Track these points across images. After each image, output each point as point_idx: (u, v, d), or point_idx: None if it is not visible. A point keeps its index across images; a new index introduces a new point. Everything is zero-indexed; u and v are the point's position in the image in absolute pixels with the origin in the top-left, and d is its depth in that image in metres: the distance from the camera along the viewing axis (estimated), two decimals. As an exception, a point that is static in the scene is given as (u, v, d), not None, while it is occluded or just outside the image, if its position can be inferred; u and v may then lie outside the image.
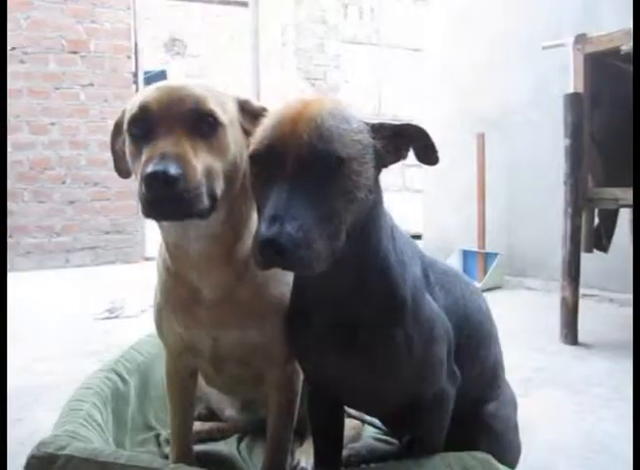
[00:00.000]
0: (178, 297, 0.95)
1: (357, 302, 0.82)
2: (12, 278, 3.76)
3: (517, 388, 1.15)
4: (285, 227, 0.65)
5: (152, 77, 5.12)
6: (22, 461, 0.92)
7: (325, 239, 0.69)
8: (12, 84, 4.10)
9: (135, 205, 4.43)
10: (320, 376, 0.94)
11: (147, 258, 4.43)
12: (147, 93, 0.83)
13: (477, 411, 1.01)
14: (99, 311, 2.76)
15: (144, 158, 0.77)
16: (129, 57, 4.44)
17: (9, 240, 4.13)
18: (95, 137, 4.31)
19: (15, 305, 3.03)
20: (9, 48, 4.07)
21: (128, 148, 0.85)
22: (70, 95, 4.27)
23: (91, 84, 4.32)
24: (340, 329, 0.83)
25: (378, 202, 0.80)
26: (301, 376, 1.01)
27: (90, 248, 4.35)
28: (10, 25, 4.06)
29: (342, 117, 0.74)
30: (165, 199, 0.74)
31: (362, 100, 6.59)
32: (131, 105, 0.85)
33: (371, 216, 0.79)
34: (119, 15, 4.38)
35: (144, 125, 0.81)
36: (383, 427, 1.26)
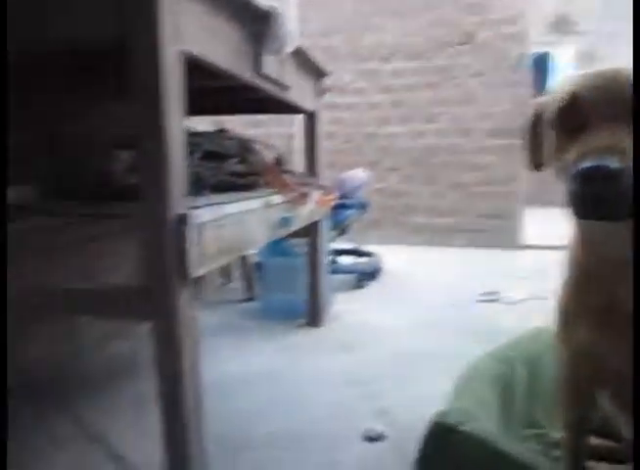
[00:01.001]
0: (587, 298, 0.87)
1: None
2: (402, 251, 4.31)
3: None
4: None
5: (536, 60, 4.94)
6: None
7: None
8: (408, 81, 4.59)
9: (516, 192, 4.39)
10: None
11: (525, 246, 4.34)
12: (575, 82, 0.77)
13: None
14: (479, 293, 2.85)
15: (575, 152, 0.72)
16: (515, 42, 4.38)
17: (402, 218, 4.71)
18: (481, 125, 4.41)
19: (404, 274, 3.47)
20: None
21: (552, 141, 0.81)
22: (459, 84, 4.50)
23: (480, 73, 4.44)
24: None
25: None
26: None
27: (470, 230, 4.55)
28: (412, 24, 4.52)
29: None
30: (604, 197, 0.68)
31: None
32: (555, 96, 0.81)
33: None
34: (507, 2, 4.35)
35: (574, 116, 0.76)
36: None
